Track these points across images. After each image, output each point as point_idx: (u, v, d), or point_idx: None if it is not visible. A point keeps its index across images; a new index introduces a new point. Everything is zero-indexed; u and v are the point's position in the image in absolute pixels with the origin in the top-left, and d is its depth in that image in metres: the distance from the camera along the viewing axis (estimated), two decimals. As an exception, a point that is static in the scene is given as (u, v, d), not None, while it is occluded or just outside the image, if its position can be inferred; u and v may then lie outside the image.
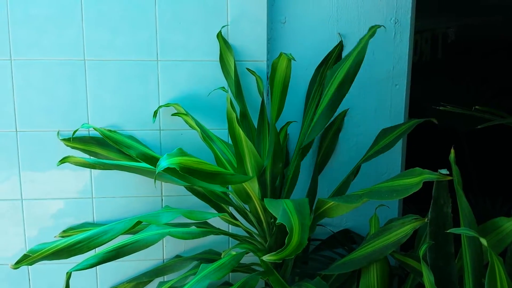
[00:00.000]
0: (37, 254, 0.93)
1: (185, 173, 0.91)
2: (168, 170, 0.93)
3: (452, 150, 0.95)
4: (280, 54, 1.18)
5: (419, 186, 0.89)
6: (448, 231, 0.84)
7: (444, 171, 0.87)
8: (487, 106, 1.34)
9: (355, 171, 1.25)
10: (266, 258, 0.88)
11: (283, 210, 0.93)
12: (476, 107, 1.26)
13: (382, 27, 1.33)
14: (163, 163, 0.89)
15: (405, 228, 1.00)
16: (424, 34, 2.85)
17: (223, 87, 1.23)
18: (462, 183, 0.93)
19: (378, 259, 1.03)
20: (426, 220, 0.96)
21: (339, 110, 1.37)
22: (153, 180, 1.24)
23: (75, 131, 1.23)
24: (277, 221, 0.90)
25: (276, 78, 1.23)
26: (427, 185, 0.95)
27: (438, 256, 0.91)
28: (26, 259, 0.92)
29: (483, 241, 0.70)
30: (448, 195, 0.92)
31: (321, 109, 1.17)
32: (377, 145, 1.25)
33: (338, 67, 1.17)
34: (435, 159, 1.30)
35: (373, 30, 1.16)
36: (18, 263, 0.92)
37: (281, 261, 0.93)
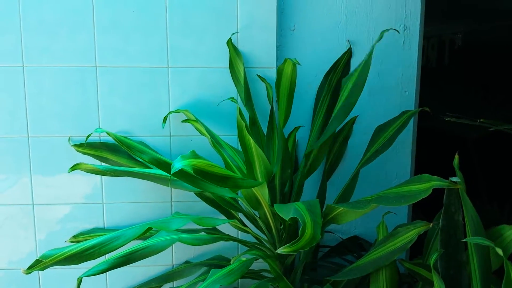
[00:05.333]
0: (49, 259, 0.93)
1: (198, 175, 0.92)
2: (180, 173, 0.94)
3: (456, 156, 0.95)
4: (285, 60, 1.18)
5: (428, 192, 0.88)
6: (464, 240, 0.84)
7: (455, 179, 0.87)
8: (496, 113, 1.34)
9: (356, 174, 1.24)
10: (280, 250, 0.88)
11: (294, 209, 0.94)
12: (481, 120, 1.26)
13: (392, 30, 1.34)
14: (177, 164, 0.89)
15: (410, 234, 0.99)
16: (430, 40, 2.84)
17: (233, 98, 1.23)
18: (467, 189, 0.93)
19: (384, 264, 1.03)
20: (430, 225, 0.96)
21: (348, 117, 1.38)
22: (163, 186, 1.25)
23: (88, 136, 1.24)
24: (288, 217, 0.90)
25: (282, 84, 1.24)
26: (437, 193, 0.95)
27: (450, 265, 0.91)
28: (38, 264, 0.93)
29: (499, 251, 0.70)
30: (460, 203, 0.92)
31: (334, 115, 1.18)
32: (375, 145, 1.25)
33: (351, 75, 1.18)
34: (444, 165, 1.30)
35: (381, 35, 1.17)
36: (30, 268, 0.93)
37: (295, 253, 0.92)
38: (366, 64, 1.14)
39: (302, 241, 0.86)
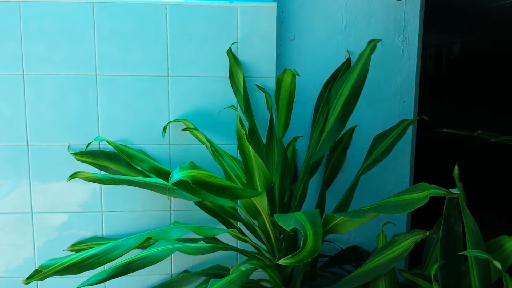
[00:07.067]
0: (48, 269, 0.93)
1: (197, 186, 0.92)
2: (180, 183, 0.93)
3: (456, 167, 0.95)
4: (285, 70, 1.18)
5: (425, 201, 0.88)
6: (461, 253, 0.84)
7: (455, 190, 0.87)
8: (495, 122, 1.34)
9: (355, 182, 1.24)
10: (282, 261, 0.88)
11: (295, 219, 0.94)
12: (479, 131, 1.27)
13: (380, 41, 1.34)
14: (176, 175, 0.90)
15: (407, 242, 0.99)
16: (428, 50, 2.86)
17: (233, 106, 1.24)
18: (467, 199, 0.93)
19: (383, 273, 1.03)
20: (427, 233, 0.96)
21: (348, 126, 1.39)
22: (162, 195, 1.25)
23: (88, 144, 1.24)
24: (290, 228, 0.90)
25: (282, 94, 1.24)
26: (436, 202, 0.95)
27: (449, 276, 0.91)
28: (38, 275, 0.93)
29: (497, 264, 0.70)
30: (459, 214, 0.92)
31: (329, 126, 1.18)
32: (374, 153, 1.25)
33: (343, 83, 1.17)
34: (443, 175, 1.30)
35: (372, 44, 1.16)
36: (30, 278, 0.92)
37: (297, 264, 0.92)
38: (364, 66, 1.14)
39: (304, 253, 0.86)
